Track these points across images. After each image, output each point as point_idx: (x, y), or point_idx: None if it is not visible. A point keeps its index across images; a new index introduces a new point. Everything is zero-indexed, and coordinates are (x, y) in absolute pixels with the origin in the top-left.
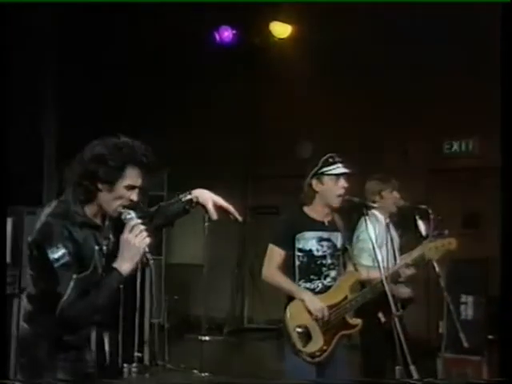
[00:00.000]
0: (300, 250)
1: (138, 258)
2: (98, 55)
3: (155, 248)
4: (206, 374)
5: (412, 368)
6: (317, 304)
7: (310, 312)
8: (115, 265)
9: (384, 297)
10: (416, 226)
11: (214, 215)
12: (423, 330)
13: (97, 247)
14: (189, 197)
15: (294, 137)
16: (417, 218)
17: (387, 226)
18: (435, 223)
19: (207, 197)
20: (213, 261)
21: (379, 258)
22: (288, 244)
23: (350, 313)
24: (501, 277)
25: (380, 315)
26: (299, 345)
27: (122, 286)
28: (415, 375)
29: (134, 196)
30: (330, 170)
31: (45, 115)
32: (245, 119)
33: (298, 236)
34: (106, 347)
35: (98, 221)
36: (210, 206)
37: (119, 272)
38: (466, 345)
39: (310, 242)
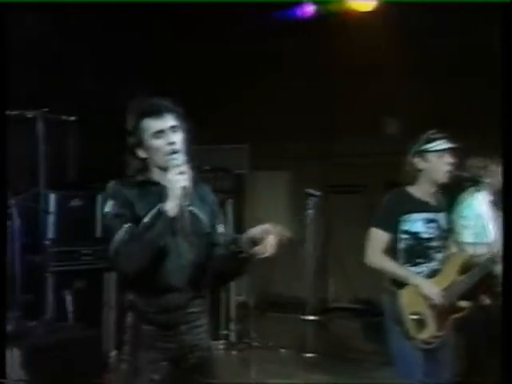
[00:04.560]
0: (406, 232)
1: (179, 197)
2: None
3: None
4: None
5: None
6: (434, 289)
7: (425, 297)
8: (161, 207)
9: (493, 278)
10: None
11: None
12: None
13: (160, 203)
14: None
15: (375, 113)
16: None
17: (492, 203)
18: None
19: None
20: (296, 239)
21: (487, 235)
22: (392, 226)
23: (459, 296)
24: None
25: (484, 297)
26: (414, 332)
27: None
28: None
29: (171, 137)
30: (434, 146)
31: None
32: (325, 95)
33: (403, 218)
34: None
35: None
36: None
37: (165, 212)
38: None
39: (416, 223)
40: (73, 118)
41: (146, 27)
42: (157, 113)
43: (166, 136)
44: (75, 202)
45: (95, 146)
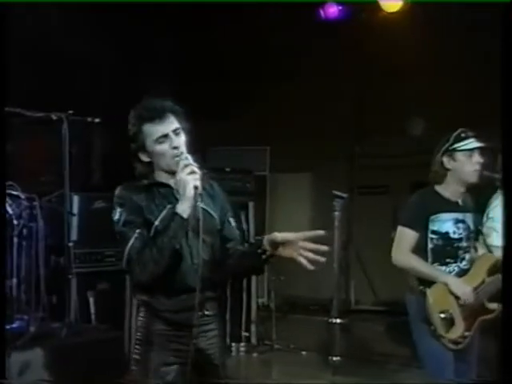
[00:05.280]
0: (434, 232)
1: (191, 196)
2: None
3: (258, 227)
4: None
5: None
6: (464, 288)
7: (454, 296)
8: (174, 208)
9: None
10: None
11: (308, 266)
12: None
13: (169, 205)
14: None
15: (402, 114)
16: None
17: None
18: None
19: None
20: (318, 241)
21: None
22: (421, 226)
23: (488, 297)
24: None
25: None
26: (442, 331)
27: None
28: None
29: (175, 141)
30: (463, 145)
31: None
32: (350, 96)
33: (432, 217)
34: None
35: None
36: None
37: (178, 214)
38: None
39: (446, 223)
40: (97, 120)
41: (172, 28)
42: (157, 117)
43: (169, 140)
44: (99, 204)
45: (119, 148)
